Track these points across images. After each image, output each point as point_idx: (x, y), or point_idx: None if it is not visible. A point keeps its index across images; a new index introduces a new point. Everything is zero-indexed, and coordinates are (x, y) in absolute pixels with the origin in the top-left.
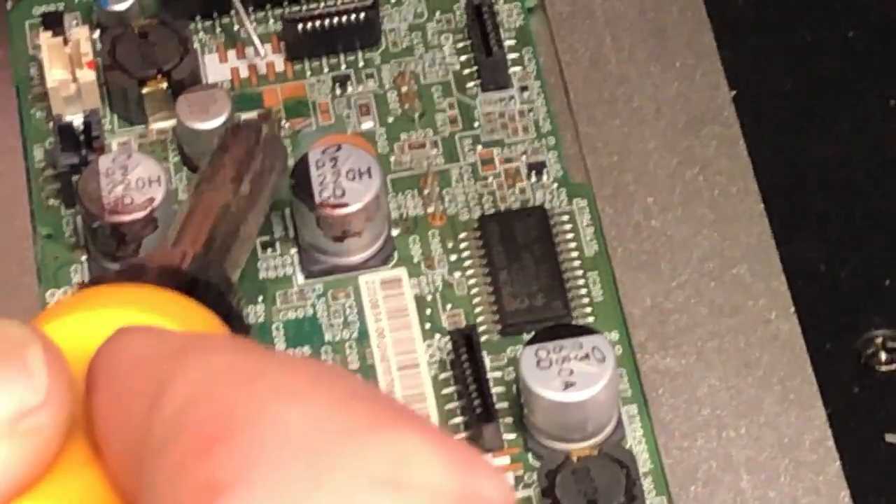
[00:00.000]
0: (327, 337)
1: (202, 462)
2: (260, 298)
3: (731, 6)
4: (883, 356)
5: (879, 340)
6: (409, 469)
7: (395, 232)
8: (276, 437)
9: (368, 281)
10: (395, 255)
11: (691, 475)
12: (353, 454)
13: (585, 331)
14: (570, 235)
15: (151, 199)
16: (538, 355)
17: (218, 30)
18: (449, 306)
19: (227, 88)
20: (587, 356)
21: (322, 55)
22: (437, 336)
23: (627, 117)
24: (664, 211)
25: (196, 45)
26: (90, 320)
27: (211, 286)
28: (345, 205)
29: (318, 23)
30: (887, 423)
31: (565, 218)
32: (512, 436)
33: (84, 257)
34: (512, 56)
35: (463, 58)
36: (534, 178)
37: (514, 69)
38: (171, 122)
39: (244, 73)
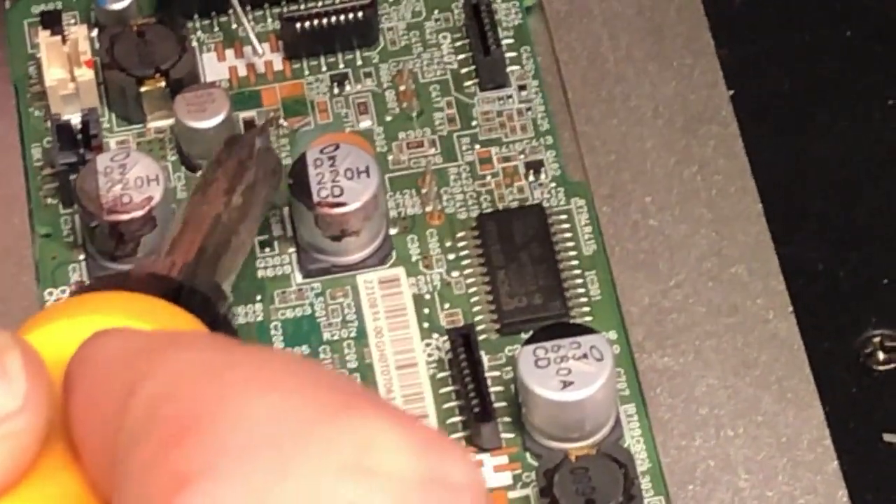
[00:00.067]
0: (325, 336)
1: (170, 455)
2: (258, 297)
3: (729, 5)
4: (881, 356)
5: (877, 340)
6: (375, 455)
7: (393, 231)
8: (241, 428)
9: (366, 280)
10: (394, 254)
11: (689, 474)
12: (318, 442)
13: (583, 330)
14: (568, 234)
15: (150, 198)
16: (536, 354)
17: (216, 29)
18: (447, 305)
19: (225, 87)
20: (585, 355)
21: (320, 54)
22: (436, 335)
23: (625, 116)
24: (662, 210)
25: (194, 44)
26: (73, 328)
27: (196, 292)
28: (343, 204)
29: (316, 21)
30: (885, 423)
31: (563, 217)
32: (510, 435)
33: (82, 256)
34: (510, 55)
35: (461, 57)
36: (532, 178)
37: (512, 68)
38: (169, 121)
39: (242, 72)
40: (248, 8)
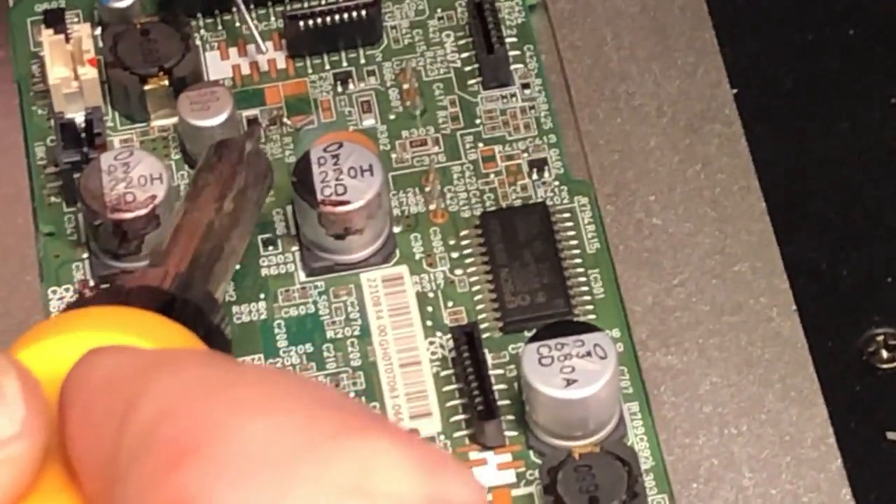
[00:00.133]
0: (329, 334)
1: (168, 477)
2: (262, 296)
3: (732, 5)
4: (884, 354)
5: (881, 338)
6: (375, 476)
7: (396, 229)
8: (241, 450)
9: (370, 278)
10: (397, 252)
11: (693, 473)
12: (317, 464)
13: (587, 328)
14: (571, 233)
15: (153, 197)
16: (540, 352)
17: (219, 27)
18: (450, 303)
19: (228, 86)
20: (589, 353)
21: (324, 52)
22: (439, 333)
23: (629, 115)
24: (665, 209)
25: (198, 43)
26: (66, 344)
27: (189, 304)
28: (346, 202)
29: (319, 20)
30: (888, 421)
31: (567, 215)
32: (514, 433)
33: (86, 255)
34: (513, 53)
35: (464, 55)
36: (535, 176)
37: (516, 66)
38: (172, 120)
39: (246, 71)
40: (252, 6)
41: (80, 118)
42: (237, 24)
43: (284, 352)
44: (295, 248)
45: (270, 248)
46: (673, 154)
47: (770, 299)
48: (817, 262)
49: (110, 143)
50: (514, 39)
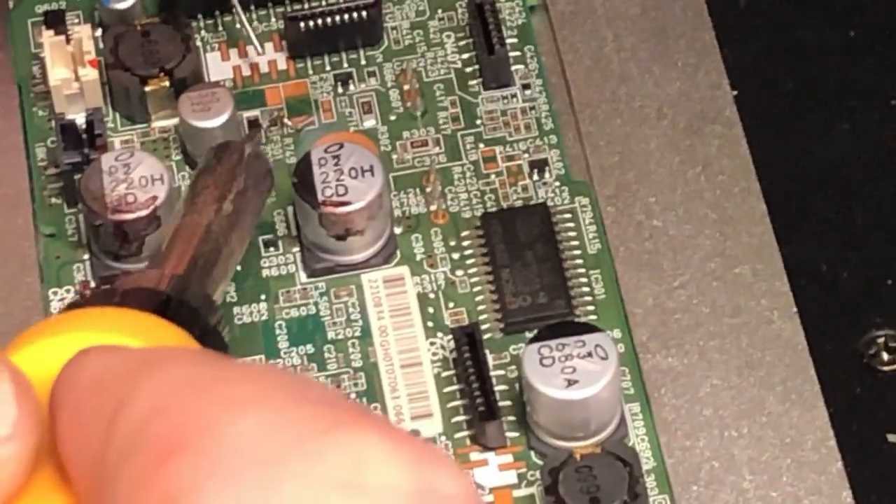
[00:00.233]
0: (330, 335)
1: (158, 474)
2: (262, 297)
3: (732, 6)
4: (885, 356)
5: (881, 340)
6: (364, 469)
7: (397, 230)
8: (230, 446)
9: (371, 279)
10: (398, 253)
11: (693, 475)
12: (307, 459)
13: (588, 328)
14: (572, 233)
15: (154, 198)
16: (541, 353)
17: (220, 28)
18: (451, 304)
19: (229, 86)
20: (590, 354)
21: (324, 53)
22: (440, 334)
23: (629, 116)
24: (666, 210)
25: (198, 44)
26: (59, 345)
27: (184, 305)
28: (347, 203)
29: (320, 21)
30: (889, 423)
31: (567, 216)
32: (515, 434)
33: (86, 256)
34: (514, 54)
35: (465, 56)
36: (536, 177)
37: (516, 67)
38: (173, 121)
39: (246, 72)
40: (252, 7)
41: (80, 119)
42: (237, 25)
43: (286, 353)
44: (296, 248)
45: (271, 249)
46: (673, 155)
47: (770, 301)
48: (818, 265)
49: (111, 144)
50: (515, 40)
